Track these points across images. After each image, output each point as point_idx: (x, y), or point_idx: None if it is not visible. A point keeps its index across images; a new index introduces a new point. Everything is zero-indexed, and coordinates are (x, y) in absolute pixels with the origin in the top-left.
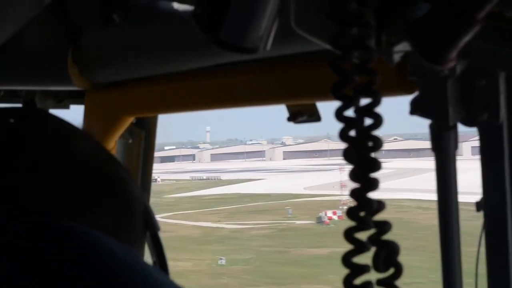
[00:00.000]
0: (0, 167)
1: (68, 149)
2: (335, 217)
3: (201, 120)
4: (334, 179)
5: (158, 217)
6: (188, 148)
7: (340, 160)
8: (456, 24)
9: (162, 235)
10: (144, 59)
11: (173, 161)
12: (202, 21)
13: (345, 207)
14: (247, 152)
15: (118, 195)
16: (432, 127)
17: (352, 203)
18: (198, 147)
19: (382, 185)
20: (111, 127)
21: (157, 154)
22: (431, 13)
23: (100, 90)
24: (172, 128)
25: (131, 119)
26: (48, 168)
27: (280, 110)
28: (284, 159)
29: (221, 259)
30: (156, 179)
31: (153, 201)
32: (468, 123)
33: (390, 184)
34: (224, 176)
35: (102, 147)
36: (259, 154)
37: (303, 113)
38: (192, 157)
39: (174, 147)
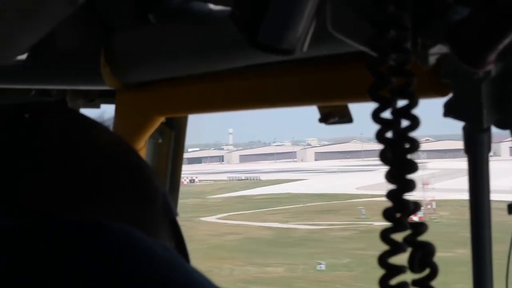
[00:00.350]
0: (19, 164)
1: (88, 141)
2: (415, 219)
3: (222, 122)
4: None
5: (214, 219)
6: (212, 149)
7: (377, 160)
8: (496, 27)
9: (230, 237)
10: (176, 59)
11: (201, 163)
12: (240, 22)
13: (428, 207)
14: (277, 154)
15: (140, 185)
16: (465, 129)
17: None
18: (222, 149)
19: (438, 185)
20: (141, 127)
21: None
22: (471, 15)
23: (131, 89)
24: (199, 130)
25: (161, 119)
26: (68, 162)
27: (302, 112)
28: (315, 160)
29: (320, 263)
30: (193, 180)
31: (198, 202)
32: (501, 125)
33: (446, 185)
34: (263, 177)
35: (119, 137)
36: (289, 155)
37: (334, 115)
38: (219, 159)
39: (198, 149)
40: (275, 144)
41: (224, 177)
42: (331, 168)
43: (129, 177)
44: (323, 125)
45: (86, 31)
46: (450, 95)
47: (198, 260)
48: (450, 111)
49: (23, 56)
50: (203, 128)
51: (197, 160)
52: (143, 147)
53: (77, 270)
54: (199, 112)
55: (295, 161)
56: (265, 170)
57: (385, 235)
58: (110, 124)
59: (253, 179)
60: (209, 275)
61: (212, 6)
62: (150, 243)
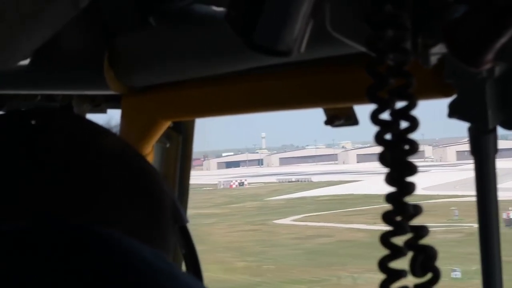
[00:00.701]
0: (25, 169)
1: (94, 147)
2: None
3: (253, 127)
4: (449, 179)
5: (289, 221)
6: (246, 154)
7: (423, 161)
8: (494, 26)
9: (321, 240)
10: (181, 62)
11: (239, 166)
12: (235, 24)
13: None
14: (317, 156)
15: (147, 190)
16: (471, 130)
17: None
18: (256, 153)
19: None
20: (148, 131)
21: (220, 160)
22: (468, 14)
23: (136, 94)
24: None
25: (168, 123)
26: (74, 167)
27: None
28: (358, 162)
29: (454, 270)
30: (243, 183)
31: (259, 204)
32: (507, 126)
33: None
34: (314, 178)
35: (127, 143)
36: (329, 157)
37: (340, 117)
38: (257, 162)
39: (232, 153)
40: (309, 147)
41: (272, 179)
42: (379, 170)
43: (136, 182)
44: (355, 127)
45: (89, 34)
46: (454, 96)
47: (306, 269)
48: (454, 111)
49: (26, 61)
50: (234, 134)
51: (235, 164)
52: (150, 152)
53: (67, 272)
54: (205, 115)
55: (337, 164)
56: (311, 172)
57: (385, 238)
58: (117, 131)
59: (304, 181)
60: (328, 285)
61: (215, 8)
62: (142, 251)
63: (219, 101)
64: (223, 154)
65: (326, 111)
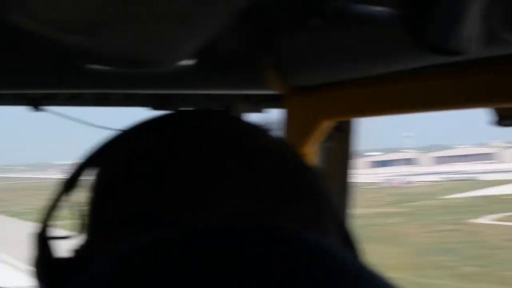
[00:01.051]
0: (171, 169)
1: (248, 145)
2: None
3: (395, 127)
4: None
5: (488, 220)
6: (391, 153)
7: None
8: None
9: None
10: (344, 62)
11: (387, 166)
12: (408, 23)
13: None
14: (471, 155)
15: (311, 190)
16: None
17: None
18: (401, 152)
19: None
20: (312, 131)
21: (367, 159)
22: None
23: (298, 93)
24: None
25: (331, 123)
26: (243, 168)
27: (478, 115)
28: None
29: None
30: (408, 181)
31: (438, 203)
32: None
33: None
34: (481, 177)
35: (284, 141)
36: (482, 156)
37: (511, 117)
38: (404, 161)
39: (380, 153)
40: (458, 146)
41: (433, 178)
42: None
43: (300, 181)
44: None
45: (249, 35)
46: None
47: None
48: None
49: (186, 62)
50: (373, 133)
51: (383, 163)
52: (314, 151)
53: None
54: (368, 115)
55: (493, 163)
56: (472, 171)
57: None
58: (274, 128)
59: (471, 180)
60: None
61: (373, 7)
62: (337, 250)
63: (382, 101)
64: (365, 154)
65: (497, 111)
